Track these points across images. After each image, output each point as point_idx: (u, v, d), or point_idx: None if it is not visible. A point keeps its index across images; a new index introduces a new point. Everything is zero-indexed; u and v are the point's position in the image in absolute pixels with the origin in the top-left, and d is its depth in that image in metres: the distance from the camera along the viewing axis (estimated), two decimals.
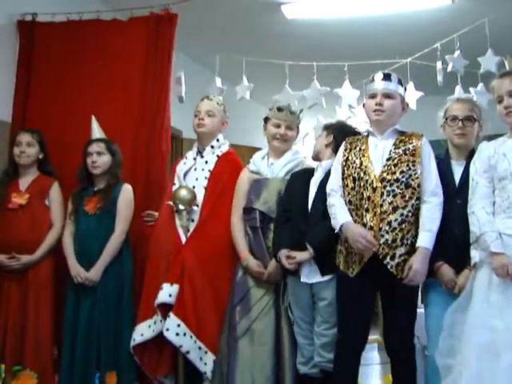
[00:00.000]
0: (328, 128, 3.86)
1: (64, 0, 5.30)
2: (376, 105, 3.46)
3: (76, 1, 5.30)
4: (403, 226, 3.31)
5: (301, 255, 3.58)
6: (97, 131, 4.46)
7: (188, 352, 3.84)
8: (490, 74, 5.00)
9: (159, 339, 3.95)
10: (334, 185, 3.51)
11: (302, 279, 3.61)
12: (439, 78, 5.30)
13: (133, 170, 4.62)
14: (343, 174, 3.49)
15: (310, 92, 5.43)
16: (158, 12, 4.86)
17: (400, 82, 3.53)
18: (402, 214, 3.31)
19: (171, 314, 3.84)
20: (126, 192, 4.32)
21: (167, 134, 4.84)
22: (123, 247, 4.27)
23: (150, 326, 3.98)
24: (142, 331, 4.00)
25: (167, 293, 3.89)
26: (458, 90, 5.30)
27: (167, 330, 3.82)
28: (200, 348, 3.86)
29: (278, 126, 4.02)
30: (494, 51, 5.08)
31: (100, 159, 4.31)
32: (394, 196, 3.33)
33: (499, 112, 3.23)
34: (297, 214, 3.68)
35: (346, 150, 3.54)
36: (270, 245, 3.84)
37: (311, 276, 3.59)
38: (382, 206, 3.32)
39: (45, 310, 4.24)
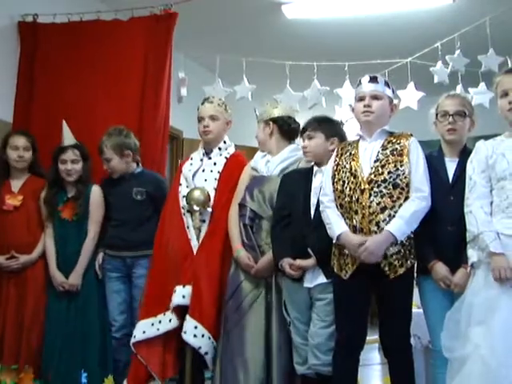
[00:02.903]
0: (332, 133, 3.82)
1: (65, 1, 5.32)
2: (364, 106, 3.48)
3: (77, 1, 5.31)
4: None
5: (305, 263, 3.56)
6: (68, 136, 4.45)
7: (206, 353, 3.84)
8: (490, 72, 5.00)
9: (167, 340, 3.99)
10: (327, 190, 3.51)
11: (305, 284, 3.60)
12: (436, 79, 5.31)
13: None
14: (334, 178, 3.49)
15: (310, 92, 5.42)
16: (158, 12, 4.88)
17: (387, 84, 3.54)
18: (389, 215, 3.30)
19: (188, 317, 3.84)
20: (95, 194, 4.37)
21: (166, 133, 4.87)
22: (98, 248, 4.37)
23: (153, 324, 3.98)
24: (144, 329, 3.99)
25: (180, 294, 3.89)
26: (459, 90, 5.29)
27: (185, 332, 3.82)
28: (215, 348, 3.87)
29: None
30: (495, 51, 5.08)
31: (75, 167, 4.35)
32: (382, 196, 3.32)
33: (501, 107, 3.21)
34: (298, 219, 3.66)
35: (337, 155, 3.55)
36: (262, 243, 3.83)
37: (313, 280, 3.58)
38: (370, 207, 3.32)
39: (43, 309, 4.29)
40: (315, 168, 3.74)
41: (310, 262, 3.55)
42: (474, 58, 5.16)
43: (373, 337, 3.80)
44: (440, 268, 3.37)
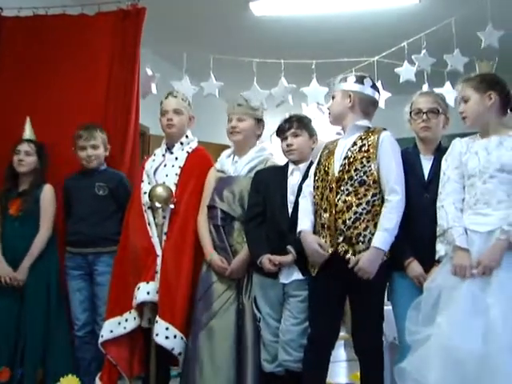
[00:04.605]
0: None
1: None
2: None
3: None
4: (357, 223, 3.32)
5: (284, 259, 3.58)
6: (28, 132, 4.51)
7: (180, 354, 3.82)
8: (456, 72, 5.05)
9: (133, 338, 3.99)
10: (310, 185, 3.55)
11: (281, 280, 3.62)
12: (401, 78, 5.35)
13: None
14: (315, 176, 3.52)
15: (277, 90, 5.42)
16: (125, 7, 4.84)
17: (359, 81, 3.55)
18: (355, 212, 3.33)
19: (158, 319, 3.80)
20: (47, 191, 4.37)
21: (136, 131, 4.83)
22: (48, 245, 4.33)
23: (119, 323, 3.95)
24: (111, 328, 3.97)
25: (145, 291, 3.84)
26: (426, 89, 5.33)
27: (157, 335, 3.78)
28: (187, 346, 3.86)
29: (231, 120, 4.01)
30: (461, 51, 5.13)
31: (27, 159, 4.39)
32: (348, 194, 3.35)
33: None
34: (274, 217, 3.67)
35: (321, 153, 3.59)
36: (233, 243, 3.83)
37: (288, 276, 3.60)
38: (336, 205, 3.35)
39: None
40: (291, 166, 3.76)
41: (289, 258, 3.56)
42: (440, 58, 5.20)
43: (340, 334, 3.81)
44: (416, 266, 3.40)
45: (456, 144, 3.32)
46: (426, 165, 3.53)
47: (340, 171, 3.39)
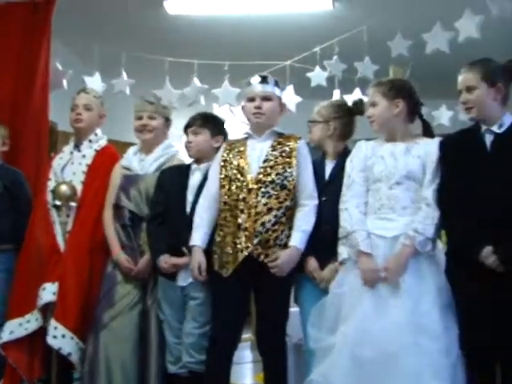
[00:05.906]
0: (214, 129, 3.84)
1: None
2: (255, 108, 3.52)
3: None
4: (276, 226, 3.37)
5: (180, 261, 3.57)
6: None
7: (70, 354, 3.75)
8: (366, 78, 5.13)
9: (34, 340, 3.90)
10: (211, 187, 3.54)
11: (179, 283, 3.61)
12: (313, 83, 5.41)
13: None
14: (220, 174, 3.51)
15: (189, 90, 5.39)
16: None
17: (277, 84, 3.60)
18: (275, 216, 3.37)
19: (51, 319, 3.74)
20: None
21: (45, 126, 4.71)
22: None
23: (21, 324, 3.87)
24: (12, 329, 3.88)
25: (51, 291, 3.80)
26: (337, 95, 5.42)
27: (47, 334, 3.73)
28: (81, 349, 3.80)
29: (140, 118, 3.99)
30: (371, 58, 5.22)
31: None
32: (269, 197, 3.39)
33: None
34: (174, 216, 3.67)
35: (225, 151, 3.57)
36: (141, 243, 3.80)
37: (186, 278, 3.59)
38: (256, 207, 3.37)
39: None
40: (193, 165, 3.75)
41: (184, 260, 3.55)
42: (351, 64, 5.28)
43: (245, 335, 3.83)
44: (313, 262, 3.46)
45: (361, 147, 3.38)
46: (329, 167, 3.60)
47: (260, 173, 3.41)
